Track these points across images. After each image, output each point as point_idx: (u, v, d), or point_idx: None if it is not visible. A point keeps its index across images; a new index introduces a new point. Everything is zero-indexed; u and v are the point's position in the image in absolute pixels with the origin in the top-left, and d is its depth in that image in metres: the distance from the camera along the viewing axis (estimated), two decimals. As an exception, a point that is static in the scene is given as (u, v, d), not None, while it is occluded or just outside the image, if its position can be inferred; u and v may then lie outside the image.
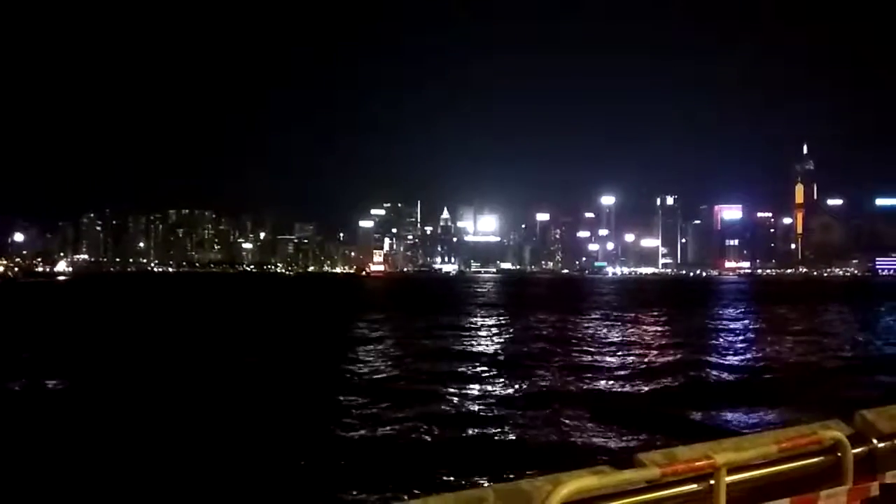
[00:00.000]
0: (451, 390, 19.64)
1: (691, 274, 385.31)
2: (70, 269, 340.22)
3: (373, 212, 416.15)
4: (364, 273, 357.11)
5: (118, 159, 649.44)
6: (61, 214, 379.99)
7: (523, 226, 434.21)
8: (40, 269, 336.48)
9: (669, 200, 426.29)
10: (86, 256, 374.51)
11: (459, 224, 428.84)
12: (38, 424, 15.35)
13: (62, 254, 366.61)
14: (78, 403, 17.65)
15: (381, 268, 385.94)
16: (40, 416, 16.19)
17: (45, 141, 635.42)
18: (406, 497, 9.87)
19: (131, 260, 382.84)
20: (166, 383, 20.70)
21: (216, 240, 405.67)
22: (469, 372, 23.66)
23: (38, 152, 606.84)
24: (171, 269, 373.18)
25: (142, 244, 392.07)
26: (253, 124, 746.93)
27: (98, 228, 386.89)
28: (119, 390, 19.52)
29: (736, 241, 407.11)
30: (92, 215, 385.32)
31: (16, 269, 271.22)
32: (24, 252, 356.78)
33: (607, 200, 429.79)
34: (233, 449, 13.14)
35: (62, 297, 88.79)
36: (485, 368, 24.59)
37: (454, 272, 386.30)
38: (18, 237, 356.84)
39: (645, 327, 43.72)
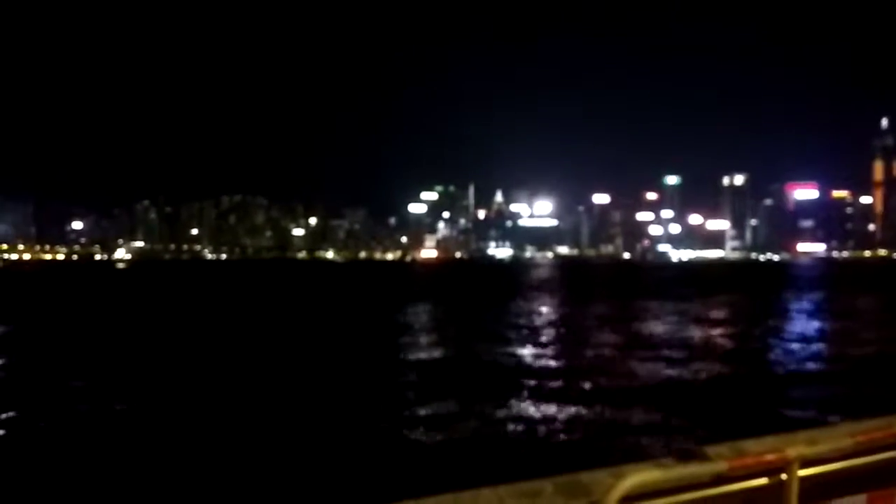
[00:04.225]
0: (503, 382, 19.55)
1: (761, 257, 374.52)
2: (129, 255, 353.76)
3: (424, 196, 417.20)
4: (410, 260, 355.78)
5: (171, 146, 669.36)
6: (116, 202, 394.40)
7: (581, 208, 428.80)
8: (98, 256, 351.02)
9: (738, 179, 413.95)
10: (141, 243, 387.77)
11: (514, 207, 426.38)
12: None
13: (120, 241, 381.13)
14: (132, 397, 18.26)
15: (433, 254, 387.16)
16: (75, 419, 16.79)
17: (99, 129, 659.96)
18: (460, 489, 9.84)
19: (185, 247, 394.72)
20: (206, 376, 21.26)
21: (268, 226, 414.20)
22: (521, 363, 23.58)
23: (93, 140, 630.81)
24: (223, 256, 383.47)
25: (195, 231, 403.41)
26: (303, 109, 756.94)
27: (153, 215, 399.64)
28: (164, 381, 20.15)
29: (810, 222, 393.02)
30: (146, 202, 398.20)
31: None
32: (83, 239, 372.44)
33: (671, 180, 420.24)
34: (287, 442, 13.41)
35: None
36: (539, 359, 24.47)
37: (508, 258, 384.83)
38: (77, 225, 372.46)
39: (712, 312, 42.76)
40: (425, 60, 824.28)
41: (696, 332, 32.89)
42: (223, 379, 19.69)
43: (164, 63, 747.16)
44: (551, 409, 15.98)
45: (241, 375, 20.22)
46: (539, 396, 17.47)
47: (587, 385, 18.91)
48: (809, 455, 2.70)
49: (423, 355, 25.01)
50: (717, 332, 33.10)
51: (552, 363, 23.19)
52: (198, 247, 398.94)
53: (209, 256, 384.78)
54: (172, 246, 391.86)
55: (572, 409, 15.82)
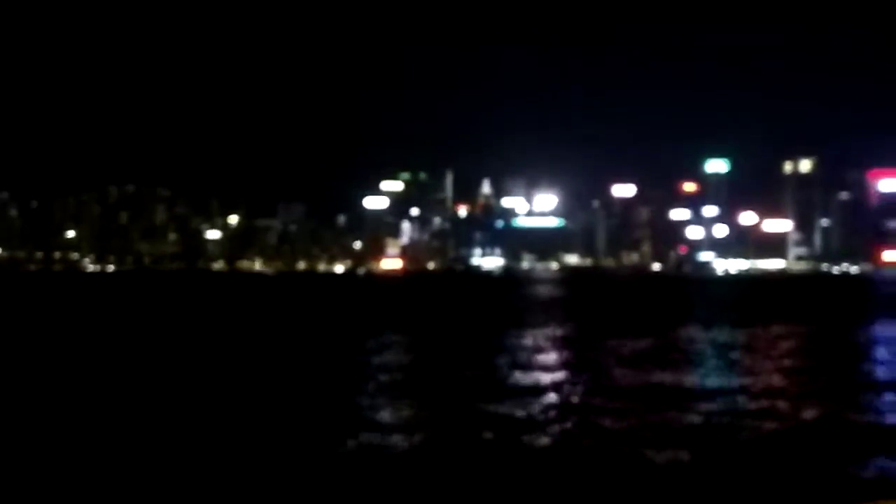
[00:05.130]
0: (487, 455, 19.25)
1: (835, 269, 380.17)
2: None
3: (385, 187, 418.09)
4: (365, 272, 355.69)
5: (41, 121, 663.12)
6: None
7: (596, 203, 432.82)
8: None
9: (805, 166, 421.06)
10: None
11: (506, 202, 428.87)
12: None
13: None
14: None
15: (397, 264, 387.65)
16: None
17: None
18: None
19: (58, 254, 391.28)
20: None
21: (172, 227, 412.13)
22: (514, 425, 23.45)
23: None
24: (111, 267, 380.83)
25: (71, 233, 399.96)
26: (218, 73, 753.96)
27: (13, 212, 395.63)
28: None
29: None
30: (5, 195, 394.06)
31: None
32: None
33: (716, 167, 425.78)
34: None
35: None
36: (539, 421, 24.43)
37: (498, 269, 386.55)
38: None
39: (772, 345, 43.15)
40: (385, 13, 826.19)
41: (752, 374, 33.18)
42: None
43: (38, 22, 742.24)
44: (578, 466, 15.88)
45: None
46: (542, 477, 17.16)
47: (609, 450, 18.86)
48: None
49: (379, 415, 24.62)
50: (779, 371, 33.50)
51: (558, 427, 22.95)
52: (75, 254, 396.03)
53: (91, 267, 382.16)
54: (40, 254, 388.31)
55: (594, 490, 15.66)
